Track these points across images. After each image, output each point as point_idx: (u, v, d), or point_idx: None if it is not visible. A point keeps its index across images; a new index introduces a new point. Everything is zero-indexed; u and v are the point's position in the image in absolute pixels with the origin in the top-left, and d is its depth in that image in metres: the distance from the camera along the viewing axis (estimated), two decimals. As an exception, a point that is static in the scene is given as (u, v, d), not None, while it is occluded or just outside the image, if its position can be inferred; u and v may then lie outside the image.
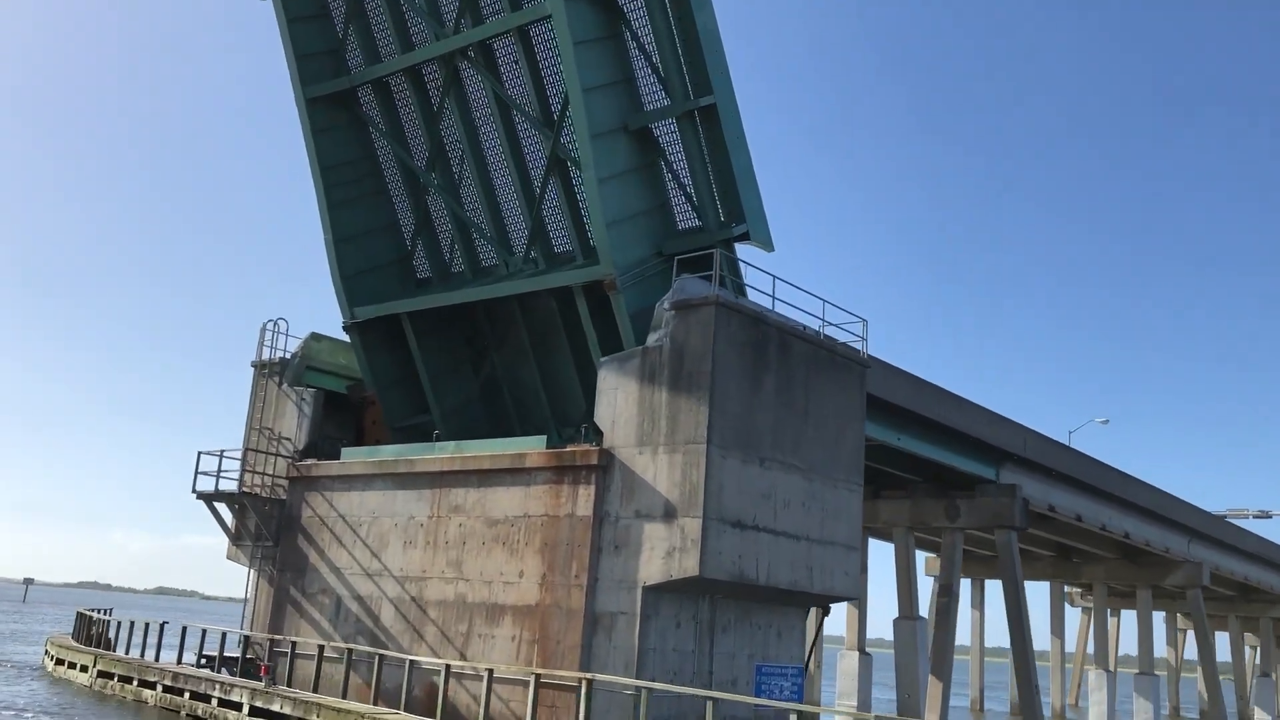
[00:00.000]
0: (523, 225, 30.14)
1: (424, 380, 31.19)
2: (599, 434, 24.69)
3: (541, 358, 30.89)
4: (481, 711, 21.67)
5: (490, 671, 22.05)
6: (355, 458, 29.58)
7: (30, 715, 26.01)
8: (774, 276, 25.20)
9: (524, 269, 30.01)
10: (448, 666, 23.08)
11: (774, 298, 24.99)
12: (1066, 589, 70.00)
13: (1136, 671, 59.64)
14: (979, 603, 62.70)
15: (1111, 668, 60.66)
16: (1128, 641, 78.79)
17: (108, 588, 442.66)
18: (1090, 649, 77.31)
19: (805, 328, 25.91)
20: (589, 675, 20.37)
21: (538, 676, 21.44)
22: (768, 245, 27.02)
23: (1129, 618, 79.61)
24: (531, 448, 25.73)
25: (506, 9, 27.97)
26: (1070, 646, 76.94)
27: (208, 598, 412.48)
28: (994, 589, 66.33)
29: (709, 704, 18.64)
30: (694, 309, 23.67)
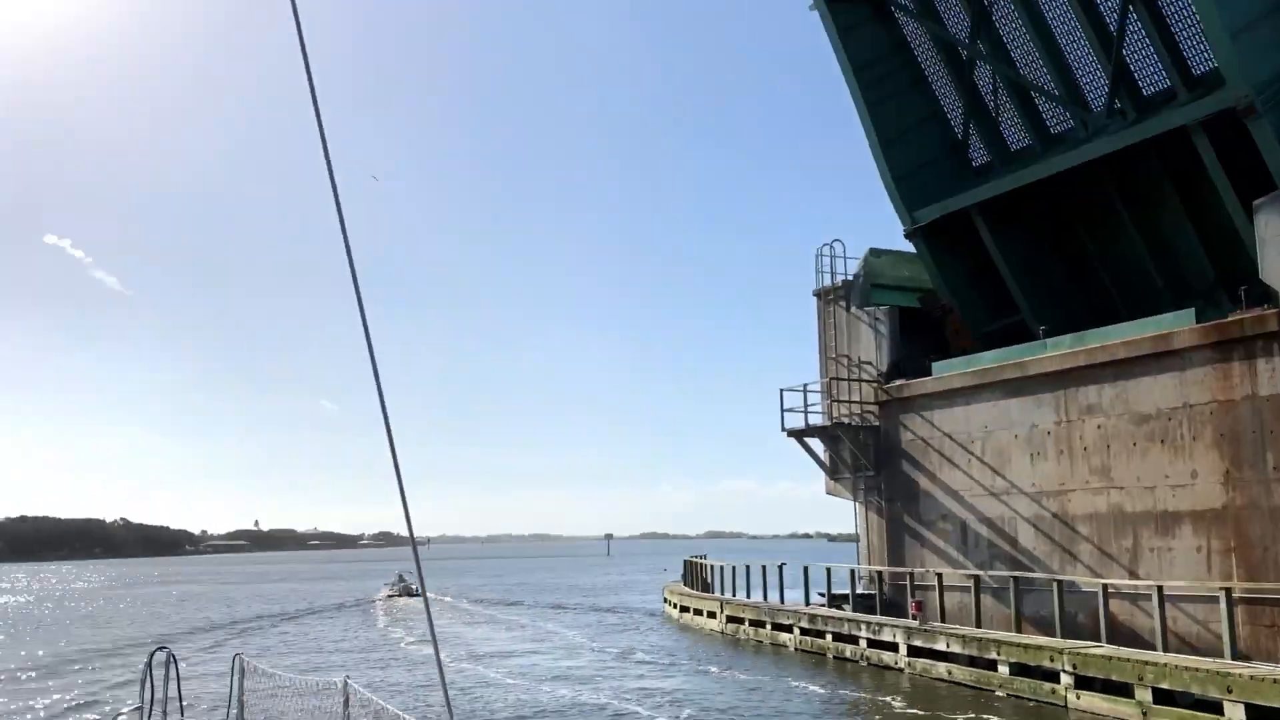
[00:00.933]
0: (1098, 74, 25.65)
1: (1006, 277, 27.93)
2: (1267, 295, 19.89)
3: (1142, 223, 26.28)
4: (1227, 639, 18.01)
5: (1226, 591, 18.29)
6: (950, 370, 27.06)
7: (691, 664, 26.65)
8: None
9: (1108, 124, 25.51)
10: (1158, 590, 19.62)
11: None
12: None
13: None
14: None
15: None
16: None
17: (665, 536, 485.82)
18: None
19: None
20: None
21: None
22: None
23: None
24: (1178, 325, 21.51)
25: None
26: None
27: (753, 537, 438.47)
28: None
29: None
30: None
